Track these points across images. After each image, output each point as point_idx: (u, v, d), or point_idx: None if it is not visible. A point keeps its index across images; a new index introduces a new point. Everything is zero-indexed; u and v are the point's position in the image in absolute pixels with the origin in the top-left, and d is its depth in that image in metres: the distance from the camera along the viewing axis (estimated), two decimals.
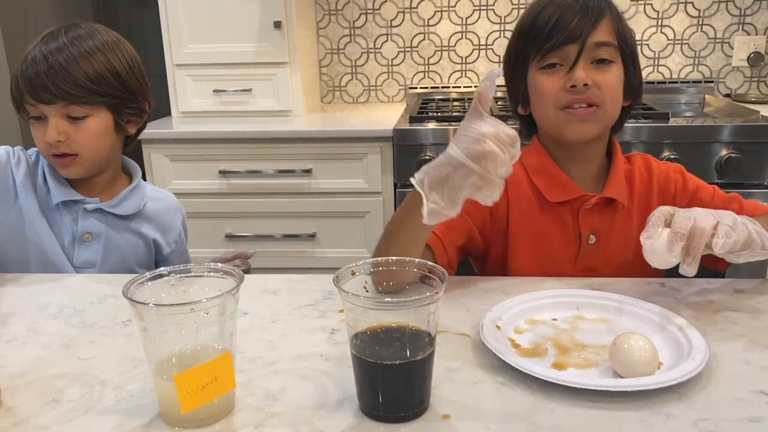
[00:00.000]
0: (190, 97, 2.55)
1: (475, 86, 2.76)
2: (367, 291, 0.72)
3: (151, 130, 2.41)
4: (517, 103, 1.14)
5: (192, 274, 0.71)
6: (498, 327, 0.84)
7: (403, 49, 2.78)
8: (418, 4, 2.72)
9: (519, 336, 0.86)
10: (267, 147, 2.29)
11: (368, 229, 2.35)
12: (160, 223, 1.23)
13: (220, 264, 0.70)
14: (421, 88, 2.80)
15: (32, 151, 1.17)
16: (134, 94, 1.12)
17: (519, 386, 0.73)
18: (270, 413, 0.69)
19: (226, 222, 2.36)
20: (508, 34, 2.68)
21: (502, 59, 1.19)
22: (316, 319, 0.91)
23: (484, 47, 2.73)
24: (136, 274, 0.68)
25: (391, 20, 2.75)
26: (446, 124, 2.23)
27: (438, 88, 2.79)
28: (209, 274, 0.71)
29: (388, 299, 0.67)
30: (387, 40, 2.78)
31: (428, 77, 2.80)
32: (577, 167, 1.10)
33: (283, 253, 2.36)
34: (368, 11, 2.75)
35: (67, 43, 1.06)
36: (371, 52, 2.80)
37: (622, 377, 0.74)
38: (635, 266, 1.10)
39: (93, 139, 1.10)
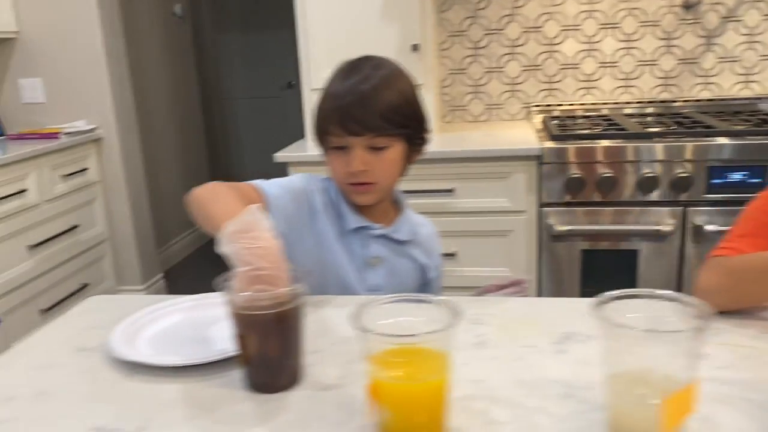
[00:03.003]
0: None
1: (603, 103, 2.77)
2: None
3: (286, 153, 2.48)
4: None
5: None
6: None
7: (526, 68, 2.80)
8: (544, 23, 2.74)
9: None
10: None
11: (510, 248, 2.37)
12: (427, 248, 1.26)
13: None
14: (545, 106, 2.82)
15: (321, 178, 1.21)
16: (422, 122, 1.16)
17: None
18: None
19: None
20: (635, 52, 2.70)
21: None
22: None
23: (610, 65, 2.74)
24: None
25: (516, 40, 2.78)
26: (588, 141, 2.24)
27: (561, 105, 2.81)
28: None
29: None
30: (510, 60, 2.80)
31: (552, 95, 2.82)
32: None
33: None
34: (492, 32, 2.78)
35: (371, 74, 1.09)
36: (494, 72, 2.83)
37: None
38: None
39: (391, 169, 1.14)
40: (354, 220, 1.17)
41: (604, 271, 2.31)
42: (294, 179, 1.18)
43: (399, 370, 0.66)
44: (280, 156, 2.44)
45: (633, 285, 2.30)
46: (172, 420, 0.74)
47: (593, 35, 2.73)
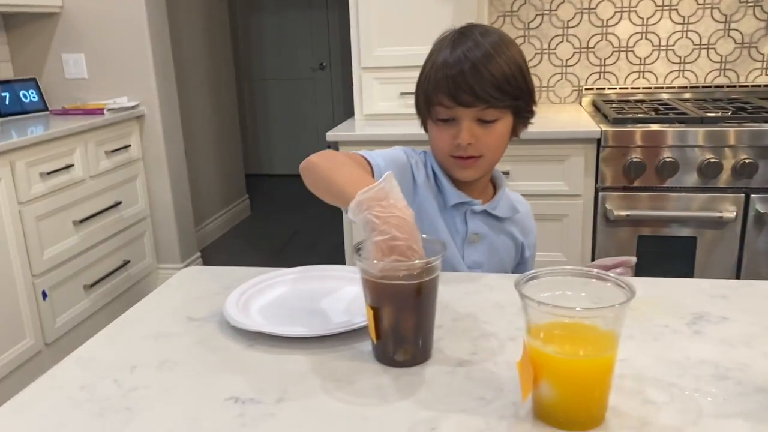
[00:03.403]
0: (375, 99, 2.57)
1: (657, 87, 2.72)
2: None
3: (337, 132, 2.45)
4: None
5: None
6: None
7: (578, 50, 2.75)
8: (598, 4, 2.68)
9: None
10: None
11: (565, 233, 2.33)
12: (524, 226, 1.23)
13: None
14: (597, 89, 2.76)
15: (419, 151, 1.18)
16: (532, 94, 1.12)
17: None
18: None
19: None
20: (692, 35, 2.64)
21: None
22: None
23: (665, 48, 2.68)
24: None
25: (568, 21, 2.72)
26: (650, 125, 2.19)
27: (615, 89, 2.75)
28: None
29: None
30: (562, 41, 2.75)
31: (603, 78, 2.76)
32: None
33: None
34: (544, 12, 2.73)
35: (480, 41, 1.05)
36: (545, 53, 2.78)
37: None
38: None
39: (498, 142, 1.10)
40: (455, 196, 1.13)
41: (660, 257, 2.27)
42: (396, 152, 1.14)
43: (565, 345, 0.63)
44: (332, 135, 2.41)
45: (690, 272, 2.26)
46: (311, 391, 0.72)
47: (649, 17, 2.66)
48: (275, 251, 3.89)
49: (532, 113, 1.13)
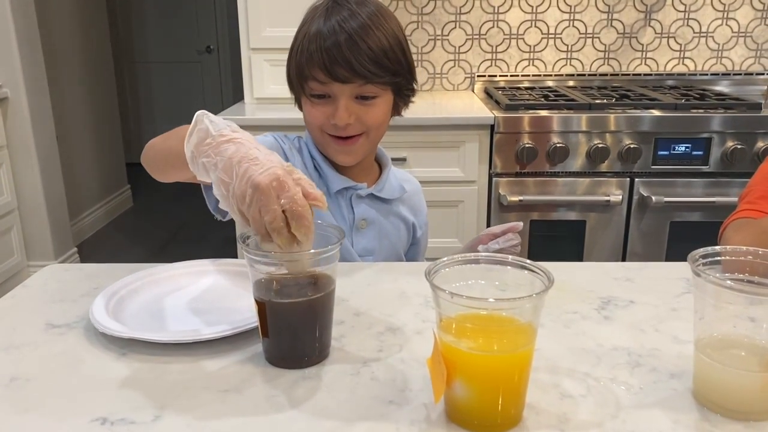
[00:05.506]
0: (266, 82, 2.45)
1: (546, 75, 2.77)
2: None
3: (226, 117, 2.31)
4: None
5: None
6: None
7: (470, 37, 2.75)
8: None
9: None
10: None
11: (461, 219, 2.32)
12: (413, 205, 1.17)
13: None
14: (488, 76, 2.78)
15: (292, 136, 1.09)
16: (412, 70, 1.04)
17: None
18: None
19: None
20: (578, 24, 2.70)
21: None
22: None
23: (553, 36, 2.73)
24: None
25: (461, 7, 2.71)
26: (542, 111, 2.22)
27: (506, 76, 2.78)
28: None
29: None
30: (455, 27, 2.74)
31: (495, 65, 2.78)
32: None
33: None
34: None
35: (356, 10, 0.96)
36: (438, 40, 2.76)
37: None
38: None
39: (379, 120, 1.02)
40: (338, 181, 1.06)
41: (551, 240, 2.31)
42: (265, 137, 1.05)
43: (480, 339, 0.57)
44: None
45: (580, 255, 2.31)
46: (193, 405, 0.62)
47: (538, 5, 2.70)
48: (160, 246, 3.67)
49: (413, 91, 1.07)
